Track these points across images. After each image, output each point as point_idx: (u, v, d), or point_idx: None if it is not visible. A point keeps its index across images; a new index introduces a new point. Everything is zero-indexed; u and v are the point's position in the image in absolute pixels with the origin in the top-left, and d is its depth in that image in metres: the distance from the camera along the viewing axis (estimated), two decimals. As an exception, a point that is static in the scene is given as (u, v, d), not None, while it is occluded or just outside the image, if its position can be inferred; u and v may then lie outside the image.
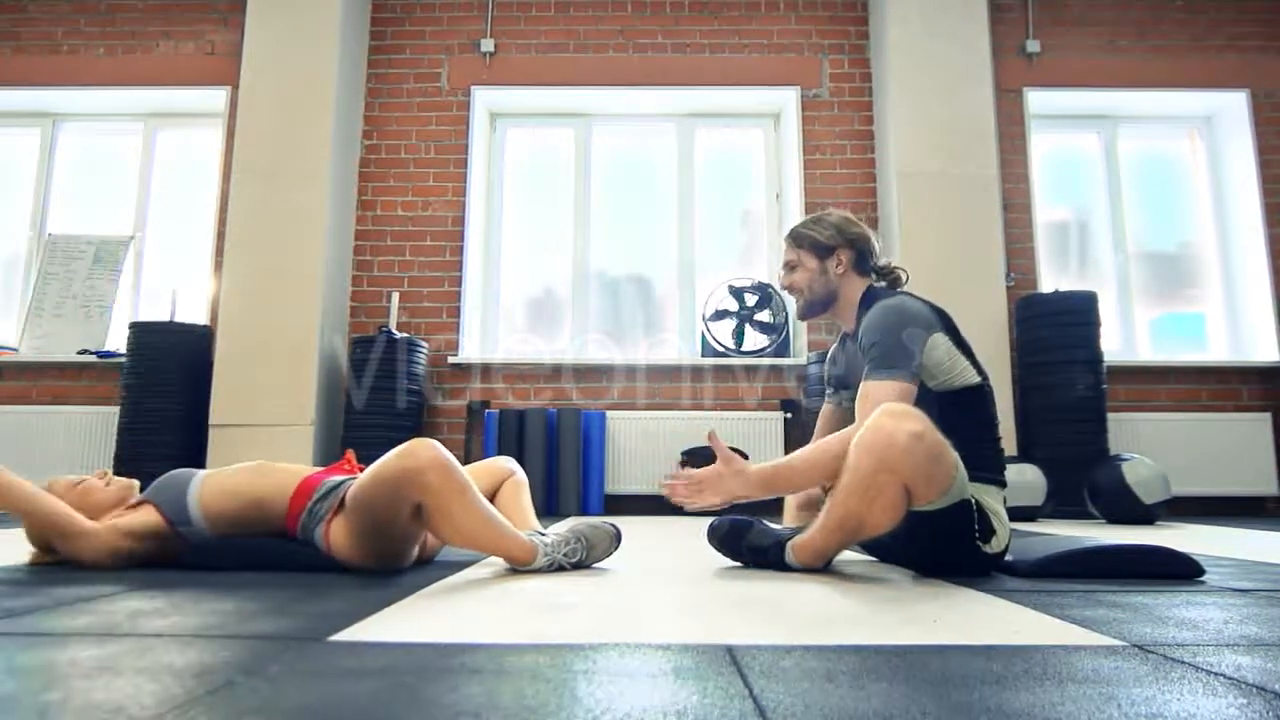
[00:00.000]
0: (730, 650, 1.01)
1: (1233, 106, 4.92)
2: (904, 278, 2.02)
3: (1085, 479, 3.83)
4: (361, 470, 1.83)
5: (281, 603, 1.32)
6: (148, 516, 1.73)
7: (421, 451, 1.58)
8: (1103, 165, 5.12)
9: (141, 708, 0.73)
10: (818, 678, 0.87)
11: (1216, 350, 4.94)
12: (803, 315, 2.08)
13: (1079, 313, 4.27)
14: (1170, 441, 4.47)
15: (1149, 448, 4.26)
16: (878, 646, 1.05)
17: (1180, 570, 1.73)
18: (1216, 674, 0.91)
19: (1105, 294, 4.56)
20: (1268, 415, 4.55)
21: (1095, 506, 3.79)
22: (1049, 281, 4.77)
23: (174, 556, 1.75)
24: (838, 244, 1.97)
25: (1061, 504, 3.98)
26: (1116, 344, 4.82)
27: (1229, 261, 4.95)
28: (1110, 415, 4.29)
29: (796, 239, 2.02)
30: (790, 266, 2.02)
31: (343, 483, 1.76)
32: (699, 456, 4.33)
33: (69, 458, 4.44)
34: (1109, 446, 4.20)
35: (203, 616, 1.20)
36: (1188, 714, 0.75)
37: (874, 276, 2.01)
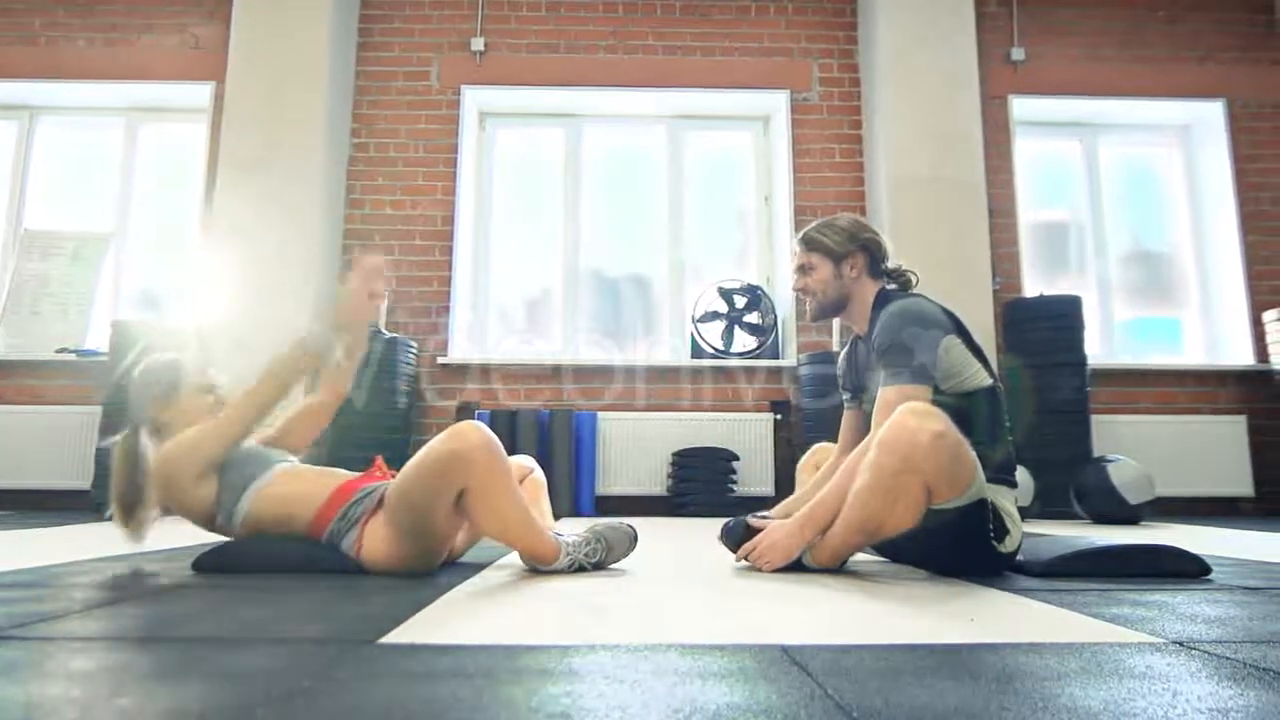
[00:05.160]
0: (786, 650, 1.01)
1: (1210, 115, 5.04)
2: (914, 280, 2.04)
3: (1071, 480, 3.91)
4: (394, 475, 1.81)
5: (315, 606, 1.31)
6: (205, 497, 1.71)
7: (471, 433, 1.59)
8: (1084, 172, 5.22)
9: (223, 712, 0.72)
10: (884, 676, 0.89)
11: (1194, 354, 5.05)
12: (815, 318, 2.09)
13: (1064, 316, 4.35)
14: (1149, 443, 4.55)
15: (1129, 449, 4.33)
16: (930, 645, 1.06)
17: (1188, 569, 1.77)
18: (1265, 669, 0.93)
19: (1086, 298, 4.63)
20: (1243, 418, 4.66)
21: (1081, 507, 3.86)
22: (1032, 286, 4.85)
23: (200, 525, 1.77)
24: (851, 249, 1.99)
25: (1048, 505, 4.05)
26: (1097, 347, 4.91)
27: (1206, 267, 5.07)
28: (1092, 417, 4.37)
29: (809, 243, 2.03)
30: (803, 270, 2.04)
31: (378, 488, 1.74)
32: (693, 458, 4.35)
33: (48, 460, 4.34)
34: (1092, 448, 4.28)
35: (241, 621, 1.18)
36: (1257, 709, 0.77)
37: (886, 279, 2.04)
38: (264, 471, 1.75)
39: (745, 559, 1.86)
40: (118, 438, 1.80)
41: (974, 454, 1.66)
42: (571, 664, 0.93)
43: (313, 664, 0.92)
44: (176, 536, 2.35)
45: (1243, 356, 4.80)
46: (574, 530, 1.86)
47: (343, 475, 1.80)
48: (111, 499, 1.77)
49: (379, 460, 1.92)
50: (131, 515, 1.76)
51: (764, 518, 1.94)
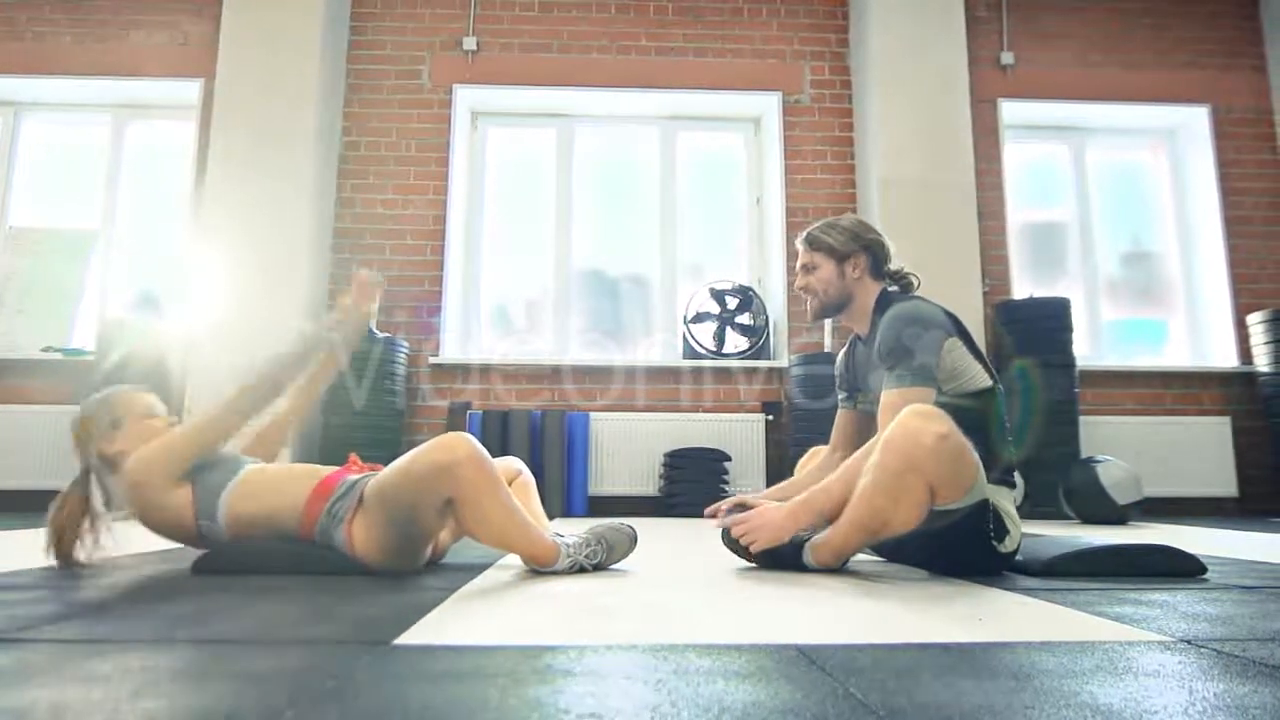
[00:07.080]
0: (801, 650, 1.02)
1: (1195, 121, 5.11)
2: (916, 283, 2.05)
3: (1059, 480, 3.94)
4: (370, 470, 1.80)
5: (318, 608, 1.30)
6: (182, 503, 1.68)
7: (458, 446, 1.57)
8: (1072, 175, 5.27)
9: (250, 714, 0.72)
10: (903, 675, 0.89)
11: (1179, 356, 5.11)
12: (816, 317, 2.10)
13: (1053, 318, 4.39)
14: (1135, 444, 4.61)
15: (1115, 450, 4.39)
16: (943, 644, 1.07)
17: (1184, 568, 1.79)
18: (1274, 666, 0.94)
19: (1074, 300, 4.67)
20: (1227, 419, 4.72)
21: (1070, 507, 3.89)
22: (1020, 288, 4.90)
23: (186, 541, 1.74)
24: (854, 249, 2.00)
25: (1036, 505, 4.09)
26: (1085, 348, 4.96)
27: (1191, 269, 5.13)
28: (1080, 418, 4.42)
29: (813, 243, 2.04)
30: (806, 269, 2.05)
31: (359, 480, 1.73)
32: (683, 459, 4.36)
33: (35, 460, 4.29)
34: (1080, 449, 4.32)
35: (248, 622, 1.17)
36: (1273, 705, 0.78)
37: (888, 281, 2.05)
38: (237, 470, 1.74)
39: (733, 534, 1.85)
40: (67, 487, 1.77)
41: (976, 455, 1.68)
42: (590, 664, 0.93)
43: (332, 665, 0.91)
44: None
45: (1227, 358, 4.86)
46: (573, 531, 1.86)
47: (318, 471, 1.78)
48: (48, 531, 1.74)
49: (353, 457, 1.91)
50: (60, 550, 1.74)
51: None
